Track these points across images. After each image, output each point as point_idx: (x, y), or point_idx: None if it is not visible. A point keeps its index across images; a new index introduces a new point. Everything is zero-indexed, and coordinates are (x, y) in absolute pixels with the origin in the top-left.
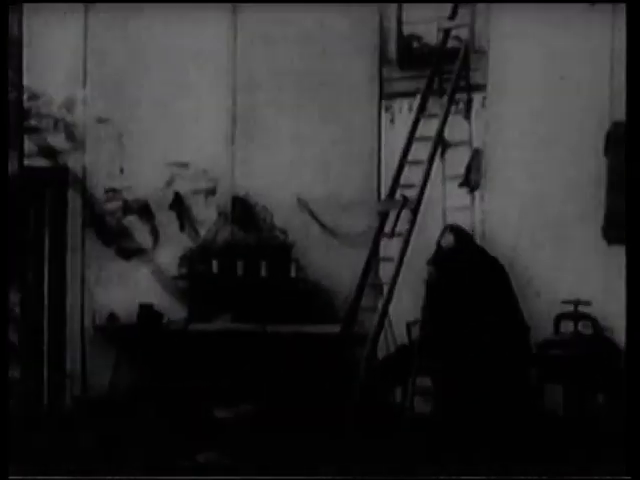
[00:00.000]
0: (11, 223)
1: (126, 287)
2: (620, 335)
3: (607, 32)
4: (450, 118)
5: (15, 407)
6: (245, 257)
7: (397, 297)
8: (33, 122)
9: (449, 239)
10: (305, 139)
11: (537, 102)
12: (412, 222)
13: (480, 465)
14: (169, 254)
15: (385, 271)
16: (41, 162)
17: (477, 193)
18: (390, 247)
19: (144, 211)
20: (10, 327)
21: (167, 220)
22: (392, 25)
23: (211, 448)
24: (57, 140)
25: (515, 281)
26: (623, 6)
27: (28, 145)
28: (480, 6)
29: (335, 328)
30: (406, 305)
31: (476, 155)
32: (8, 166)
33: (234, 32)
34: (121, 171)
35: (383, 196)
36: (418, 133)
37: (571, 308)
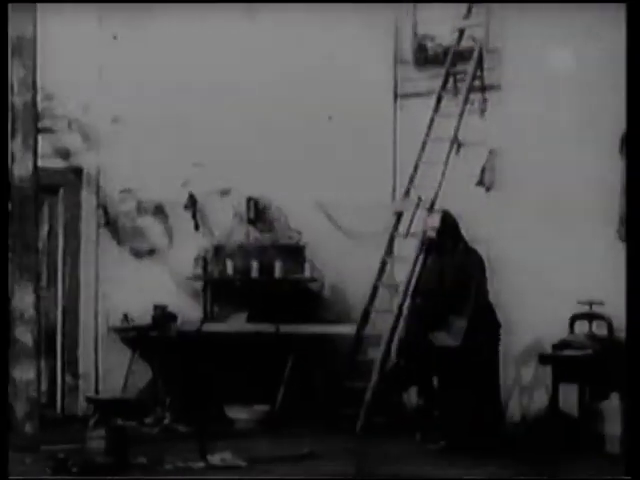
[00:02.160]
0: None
1: (140, 288)
2: None
3: (622, 31)
4: (465, 118)
5: (28, 408)
6: (259, 258)
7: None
8: (47, 123)
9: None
10: (319, 139)
11: (552, 102)
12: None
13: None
14: (183, 254)
15: (400, 271)
16: (55, 163)
17: (492, 193)
18: (405, 247)
19: (158, 211)
20: (24, 328)
21: (181, 221)
22: (406, 25)
23: (224, 449)
24: (71, 141)
25: (530, 281)
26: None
27: (42, 146)
28: (494, 5)
29: (349, 329)
30: None
31: (491, 155)
32: (22, 167)
33: (247, 31)
34: (135, 171)
35: (398, 196)
36: (433, 133)
37: (586, 308)
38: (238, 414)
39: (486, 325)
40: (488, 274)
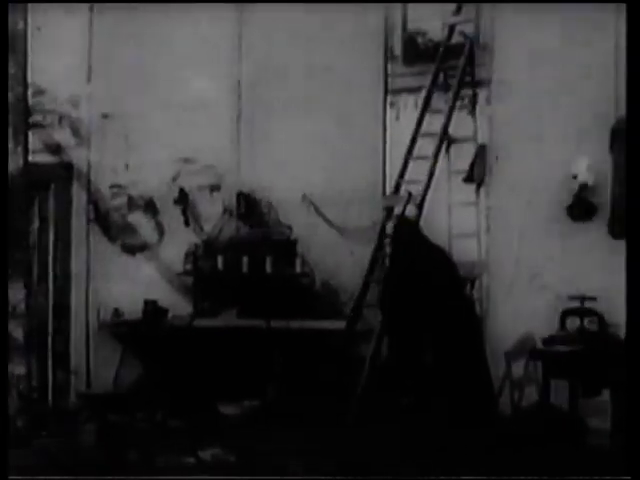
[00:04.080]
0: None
1: (131, 283)
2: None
3: (611, 28)
4: (455, 114)
5: (20, 404)
6: (250, 253)
7: None
8: (38, 118)
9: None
10: (310, 135)
11: (541, 98)
12: (417, 217)
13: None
14: (174, 250)
15: None
16: (46, 158)
17: (482, 189)
18: None
19: (149, 207)
20: (15, 323)
21: (172, 216)
22: (397, 21)
23: (215, 444)
24: (62, 136)
25: (521, 277)
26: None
27: (33, 141)
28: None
29: (340, 324)
30: None
31: (481, 151)
32: (13, 162)
33: (239, 29)
34: (126, 167)
35: (388, 192)
36: (423, 129)
37: (577, 304)
38: (229, 409)
39: (466, 321)
40: (474, 270)
